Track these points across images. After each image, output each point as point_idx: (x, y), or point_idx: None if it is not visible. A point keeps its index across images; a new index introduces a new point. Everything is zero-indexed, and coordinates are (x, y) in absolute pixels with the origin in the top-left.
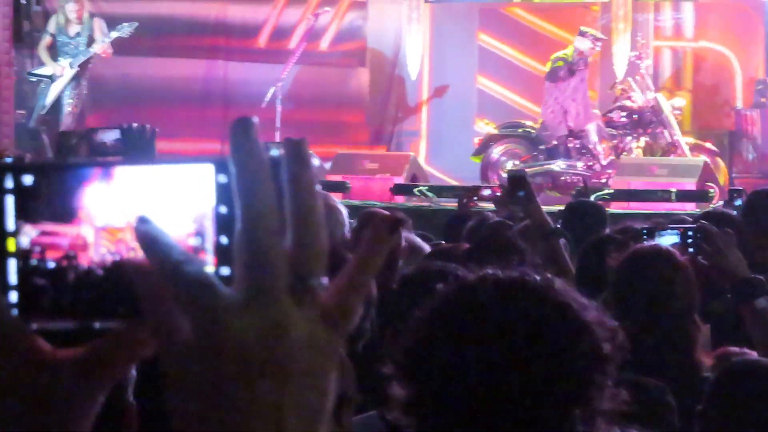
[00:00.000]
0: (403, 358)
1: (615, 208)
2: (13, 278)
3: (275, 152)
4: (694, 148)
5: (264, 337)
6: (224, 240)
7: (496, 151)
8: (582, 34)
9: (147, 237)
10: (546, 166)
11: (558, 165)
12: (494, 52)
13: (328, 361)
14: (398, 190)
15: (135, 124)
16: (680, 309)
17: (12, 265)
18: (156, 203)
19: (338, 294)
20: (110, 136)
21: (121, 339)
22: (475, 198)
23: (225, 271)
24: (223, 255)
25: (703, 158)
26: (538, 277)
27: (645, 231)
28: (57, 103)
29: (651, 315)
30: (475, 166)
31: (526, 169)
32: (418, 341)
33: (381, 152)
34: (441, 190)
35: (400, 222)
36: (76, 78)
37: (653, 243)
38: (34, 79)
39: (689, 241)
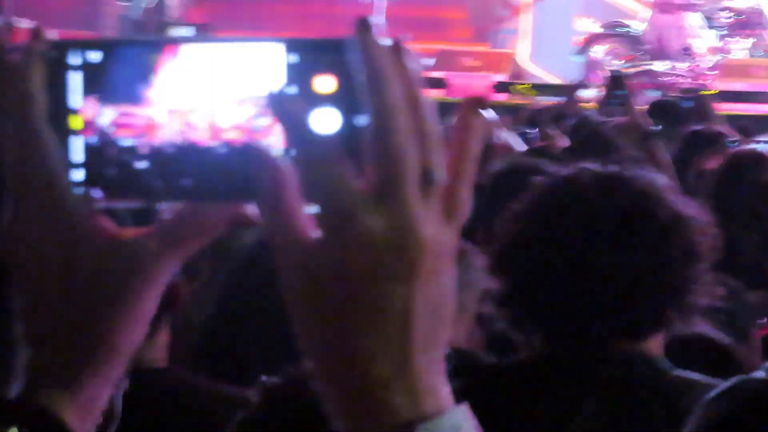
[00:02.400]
0: (499, 251)
1: (718, 109)
2: (78, 156)
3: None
4: None
5: (395, 238)
6: None
7: (599, 50)
8: None
9: (285, 111)
10: (648, 66)
11: (660, 65)
12: None
13: (450, 259)
14: (500, 87)
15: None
16: None
17: (77, 142)
18: (224, 82)
19: (448, 186)
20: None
21: (188, 217)
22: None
23: (292, 152)
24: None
25: None
26: (637, 172)
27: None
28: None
29: (750, 218)
30: (578, 66)
31: (629, 69)
32: (516, 234)
33: (483, 49)
34: (543, 88)
35: (483, 100)
36: None
37: (751, 147)
38: None
39: None
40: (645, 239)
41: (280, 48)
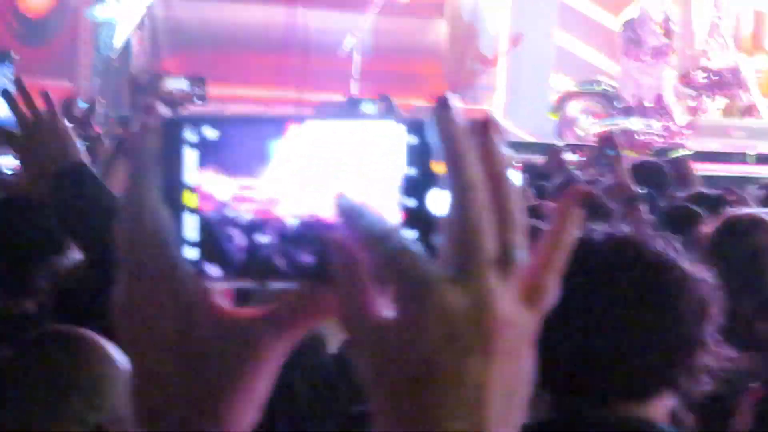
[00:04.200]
0: None
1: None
2: (191, 233)
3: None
4: None
5: (472, 313)
6: (412, 202)
7: (574, 108)
8: None
9: (350, 211)
10: (623, 125)
11: (635, 124)
12: (573, 7)
13: (527, 341)
14: None
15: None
16: None
17: (193, 219)
18: (345, 160)
19: (534, 272)
20: (177, 85)
21: (307, 300)
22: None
23: (409, 234)
24: (409, 217)
25: None
26: (646, 234)
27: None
28: (126, 45)
29: (745, 282)
30: (551, 123)
31: (603, 127)
32: None
33: None
34: (517, 146)
35: (588, 194)
36: (143, 18)
37: (748, 210)
38: (98, 20)
39: None
40: (655, 297)
41: (400, 128)
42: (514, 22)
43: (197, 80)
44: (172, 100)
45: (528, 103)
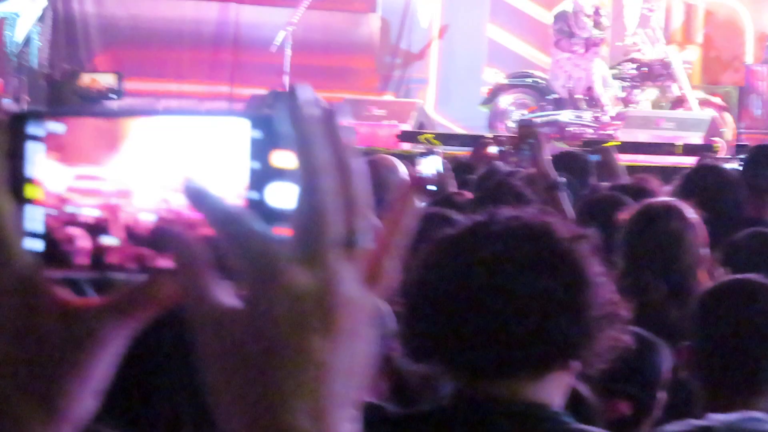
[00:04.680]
0: (405, 290)
1: (622, 160)
2: (33, 225)
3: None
4: (703, 103)
5: (317, 293)
6: (255, 195)
7: (505, 101)
8: None
9: (197, 194)
10: (553, 117)
11: (566, 116)
12: (505, 1)
13: (366, 323)
14: (404, 137)
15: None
16: (688, 264)
17: (33, 212)
18: (188, 155)
19: (374, 255)
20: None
21: (146, 289)
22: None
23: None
24: (252, 209)
25: (711, 113)
26: (540, 219)
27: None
28: (27, 40)
29: (660, 269)
30: (483, 116)
31: (534, 119)
32: (422, 270)
33: (389, 99)
34: (447, 138)
35: (425, 187)
36: (44, 13)
37: (664, 198)
38: None
39: None
40: (552, 273)
41: (245, 123)
42: (446, 15)
43: (115, 76)
44: (88, 96)
45: (460, 97)
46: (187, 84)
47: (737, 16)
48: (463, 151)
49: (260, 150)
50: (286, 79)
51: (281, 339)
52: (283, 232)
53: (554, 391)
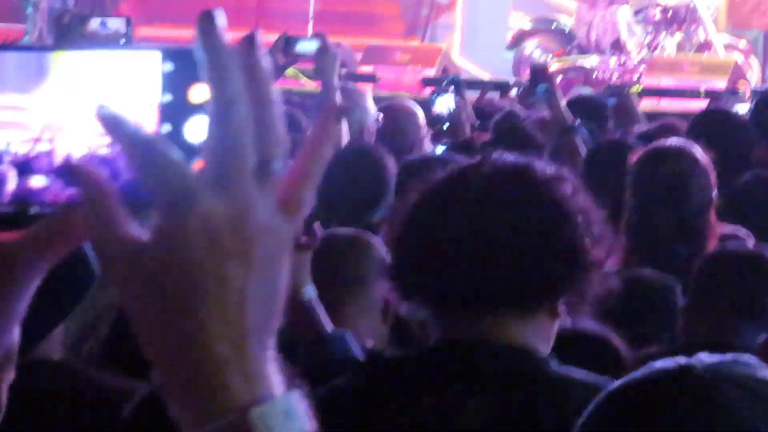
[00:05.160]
0: (394, 231)
1: (644, 105)
2: None
3: (310, 46)
4: (728, 47)
5: (231, 220)
6: (167, 128)
7: (530, 46)
8: None
9: (111, 121)
10: (579, 62)
11: (590, 60)
12: None
13: (284, 249)
14: (428, 82)
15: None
16: (697, 204)
17: None
18: (102, 89)
19: (292, 183)
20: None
21: (61, 223)
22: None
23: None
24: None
25: (735, 57)
26: (539, 166)
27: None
28: None
29: (668, 209)
30: (509, 61)
31: (559, 64)
32: (410, 213)
33: (413, 44)
34: (470, 84)
35: (344, 110)
36: None
37: (673, 139)
38: None
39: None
40: (539, 214)
41: (156, 56)
42: None
43: (124, 21)
44: (95, 41)
45: (486, 42)
46: None
47: None
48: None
49: (174, 83)
50: (310, 25)
51: (198, 267)
52: (200, 165)
53: (540, 335)
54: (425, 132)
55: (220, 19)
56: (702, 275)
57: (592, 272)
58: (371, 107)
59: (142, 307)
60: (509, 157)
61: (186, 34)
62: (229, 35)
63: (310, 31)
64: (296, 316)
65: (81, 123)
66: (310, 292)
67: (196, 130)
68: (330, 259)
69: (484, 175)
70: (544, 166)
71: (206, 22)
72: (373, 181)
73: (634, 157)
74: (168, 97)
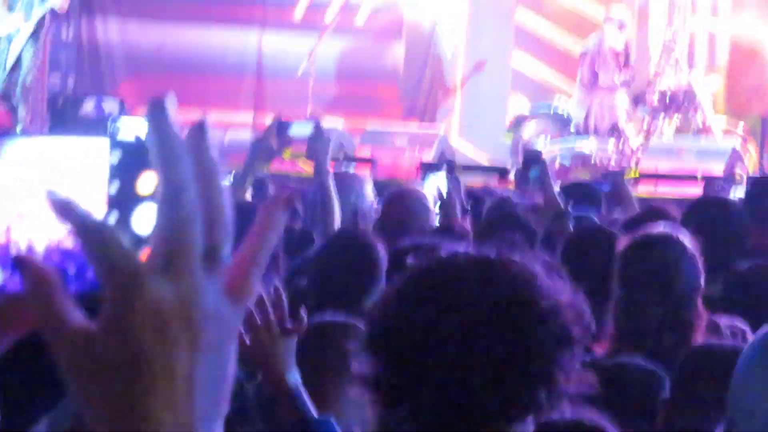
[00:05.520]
0: (373, 332)
1: (642, 190)
2: None
3: (303, 129)
4: (726, 132)
5: (180, 305)
6: (114, 216)
7: (528, 130)
8: (606, 20)
9: (61, 206)
10: (576, 146)
11: (588, 145)
12: (530, 29)
13: (231, 336)
14: (425, 168)
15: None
16: (684, 293)
17: None
18: (52, 175)
19: (238, 270)
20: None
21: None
22: None
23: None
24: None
25: (733, 142)
26: (515, 258)
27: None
28: (17, 63)
29: (655, 298)
30: (508, 144)
31: (556, 148)
32: (389, 314)
33: (411, 128)
34: (466, 170)
35: (292, 199)
36: (34, 34)
37: (661, 227)
38: None
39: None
40: (516, 324)
41: (104, 144)
42: (470, 43)
43: (117, 103)
44: (90, 123)
45: (484, 125)
46: (212, 111)
47: (761, 45)
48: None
49: (122, 173)
50: (309, 108)
51: (145, 353)
52: (148, 253)
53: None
54: (434, 217)
55: (171, 105)
56: (685, 370)
57: (569, 372)
58: (369, 193)
59: (91, 395)
60: (486, 252)
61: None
62: (225, 117)
63: (308, 114)
64: (281, 401)
65: (39, 212)
66: (294, 377)
67: (144, 219)
68: (318, 344)
69: (457, 279)
70: (521, 264)
71: (156, 108)
72: (363, 267)
73: (620, 245)
74: (116, 186)
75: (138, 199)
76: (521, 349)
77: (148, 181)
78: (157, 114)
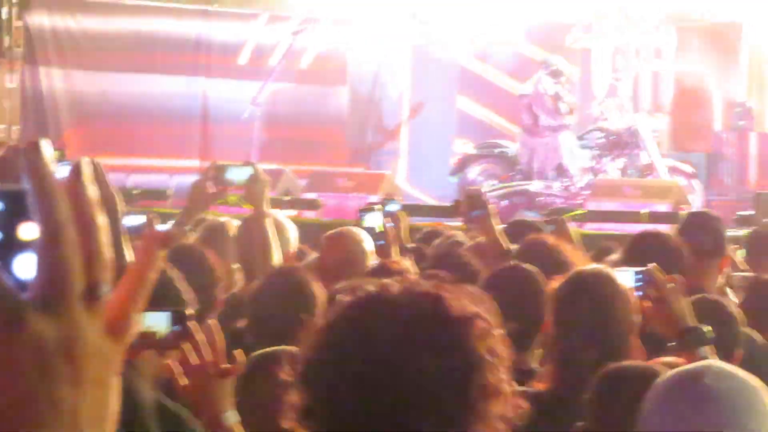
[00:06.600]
0: (303, 364)
1: (589, 229)
2: None
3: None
4: (672, 170)
5: (61, 342)
6: None
7: (474, 171)
8: (543, 66)
9: None
10: (523, 187)
11: (535, 185)
12: (474, 72)
13: (112, 371)
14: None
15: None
16: (619, 331)
17: None
18: None
19: (118, 306)
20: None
21: None
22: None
23: None
24: None
25: (678, 180)
26: (437, 291)
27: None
28: None
29: (590, 336)
30: (454, 186)
31: (503, 189)
32: (316, 347)
33: (358, 171)
34: (413, 209)
35: (171, 238)
36: None
37: (594, 266)
38: None
39: (638, 284)
40: (448, 345)
41: None
42: (416, 87)
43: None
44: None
45: (431, 167)
46: (157, 158)
47: (704, 83)
48: (429, 222)
49: (3, 221)
50: (253, 152)
51: (30, 389)
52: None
53: None
54: (372, 259)
55: (46, 149)
56: (599, 390)
57: (499, 404)
58: (293, 238)
59: None
60: (416, 287)
61: (128, 162)
62: (172, 163)
63: (254, 158)
64: None
65: None
66: (231, 417)
67: (25, 266)
68: (252, 377)
69: (389, 312)
70: (451, 300)
71: (31, 151)
72: (300, 304)
73: (552, 286)
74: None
75: (19, 246)
76: (451, 379)
77: (29, 230)
78: (33, 157)
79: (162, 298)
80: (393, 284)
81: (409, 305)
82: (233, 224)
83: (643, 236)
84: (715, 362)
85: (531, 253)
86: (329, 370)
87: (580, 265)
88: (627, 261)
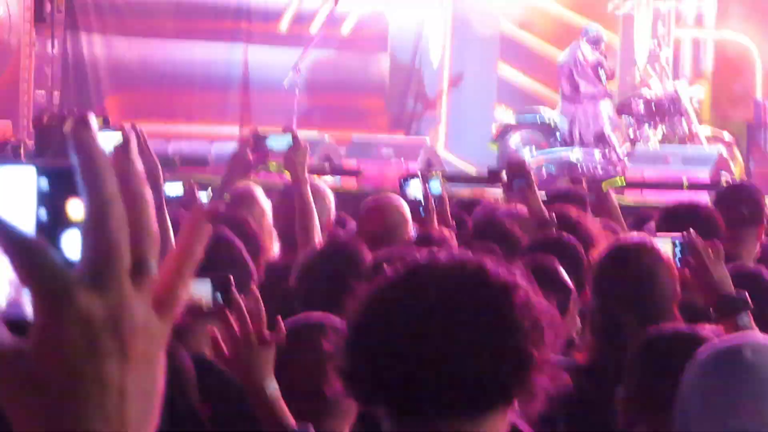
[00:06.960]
0: (351, 329)
1: (629, 197)
2: None
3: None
4: (712, 139)
5: (109, 318)
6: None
7: (514, 139)
8: (582, 34)
9: None
10: (563, 154)
11: (574, 154)
12: (515, 39)
13: (159, 348)
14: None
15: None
16: (661, 301)
17: None
18: None
19: (165, 282)
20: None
21: None
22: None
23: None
24: None
25: (718, 148)
26: (483, 262)
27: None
28: None
29: (631, 308)
30: (494, 154)
31: (543, 157)
32: (366, 313)
33: (397, 138)
34: (453, 177)
35: (215, 213)
36: None
37: (636, 235)
38: None
39: (677, 250)
40: (491, 316)
41: (30, 172)
42: (456, 54)
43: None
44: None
45: (471, 135)
46: (197, 125)
47: (746, 51)
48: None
49: (47, 198)
50: (295, 120)
51: (77, 367)
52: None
53: (496, 427)
54: (412, 226)
55: (94, 123)
56: (638, 359)
57: (542, 374)
58: (332, 205)
59: (23, 408)
60: (463, 257)
61: (168, 129)
62: (211, 130)
63: (294, 126)
64: (260, 411)
65: None
66: (273, 386)
67: (72, 245)
68: (294, 348)
69: (436, 280)
70: (497, 271)
71: (80, 126)
72: (352, 275)
73: (594, 255)
74: (43, 213)
75: (66, 225)
76: (496, 347)
77: (76, 208)
78: (81, 132)
79: (207, 264)
80: (441, 254)
81: (456, 274)
82: (259, 190)
83: (678, 206)
84: (753, 335)
85: None
86: (376, 335)
87: (600, 241)
88: (661, 230)
